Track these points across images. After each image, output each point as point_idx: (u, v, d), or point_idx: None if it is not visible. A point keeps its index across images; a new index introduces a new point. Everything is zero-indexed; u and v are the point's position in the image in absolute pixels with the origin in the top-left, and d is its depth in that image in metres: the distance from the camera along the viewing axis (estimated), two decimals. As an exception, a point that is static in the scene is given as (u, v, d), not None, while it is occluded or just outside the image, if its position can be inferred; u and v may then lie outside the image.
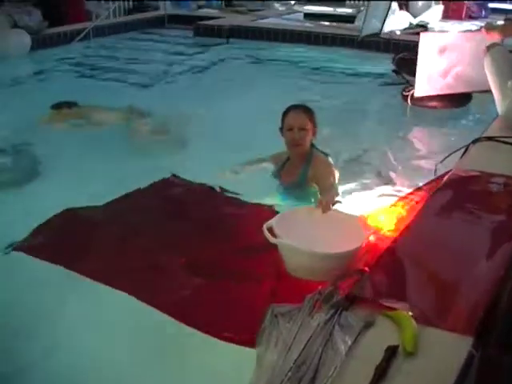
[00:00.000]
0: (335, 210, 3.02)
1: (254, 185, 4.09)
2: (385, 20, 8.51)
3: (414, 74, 5.93)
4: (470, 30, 6.64)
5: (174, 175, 4.20)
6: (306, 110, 3.83)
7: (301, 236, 2.74)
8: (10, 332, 2.74)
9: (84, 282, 2.84)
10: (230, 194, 3.96)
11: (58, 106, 5.75)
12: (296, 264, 2.72)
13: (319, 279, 2.51)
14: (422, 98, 5.96)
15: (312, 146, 3.88)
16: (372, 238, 2.74)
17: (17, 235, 3.33)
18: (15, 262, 3.14)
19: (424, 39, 5.72)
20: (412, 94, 5.94)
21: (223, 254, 3.02)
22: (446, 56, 5.74)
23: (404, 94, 6.15)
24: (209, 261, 2.97)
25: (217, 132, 5.47)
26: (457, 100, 6.09)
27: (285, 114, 3.86)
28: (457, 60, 5.75)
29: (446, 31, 8.11)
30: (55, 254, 3.08)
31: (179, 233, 3.31)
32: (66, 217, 3.51)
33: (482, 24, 5.15)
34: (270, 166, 4.21)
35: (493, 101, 4.42)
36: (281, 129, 3.87)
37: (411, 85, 5.99)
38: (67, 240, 3.31)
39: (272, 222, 2.79)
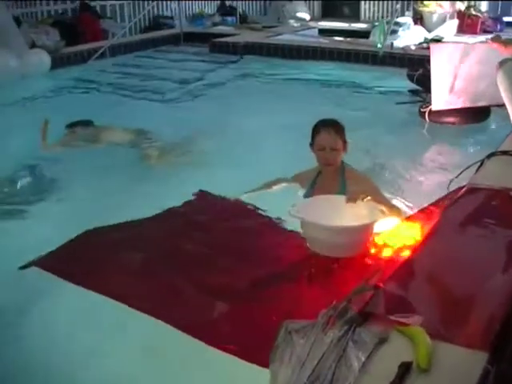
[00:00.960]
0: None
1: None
2: (385, 39, 8.50)
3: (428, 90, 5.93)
4: (479, 42, 6.58)
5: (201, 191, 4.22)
6: (336, 129, 3.72)
7: (321, 218, 3.14)
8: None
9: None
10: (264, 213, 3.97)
11: (72, 126, 5.74)
12: (314, 239, 3.18)
13: (335, 255, 3.07)
14: (440, 115, 5.93)
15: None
16: (386, 253, 2.75)
17: (33, 254, 3.36)
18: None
19: (435, 51, 5.70)
20: (430, 110, 5.92)
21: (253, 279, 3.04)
22: (459, 68, 5.70)
23: (422, 110, 6.12)
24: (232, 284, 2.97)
25: (233, 150, 5.50)
26: (475, 115, 6.03)
27: (315, 131, 3.76)
28: (470, 72, 5.70)
29: (458, 42, 8.12)
30: (74, 271, 3.10)
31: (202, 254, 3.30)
32: (87, 238, 3.51)
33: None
34: (293, 186, 4.09)
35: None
36: (311, 144, 3.79)
37: (428, 102, 5.98)
38: (91, 260, 3.32)
39: (296, 207, 3.26)
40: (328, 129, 3.69)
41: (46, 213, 4.31)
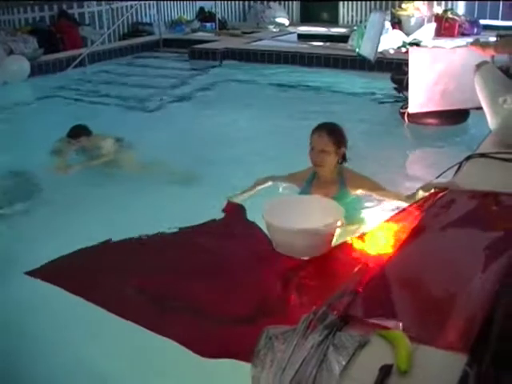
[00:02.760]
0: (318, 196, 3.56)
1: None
2: (377, 48, 8.55)
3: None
4: (459, 46, 6.64)
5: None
6: (330, 132, 3.77)
7: (288, 219, 3.16)
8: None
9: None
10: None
11: (75, 135, 5.44)
12: (278, 240, 3.17)
13: (298, 255, 3.05)
14: (419, 116, 5.97)
15: (340, 164, 3.88)
16: (365, 257, 2.75)
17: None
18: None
19: (413, 55, 5.76)
20: (409, 112, 5.97)
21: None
22: (438, 71, 5.73)
23: (401, 111, 6.17)
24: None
25: (216, 156, 5.50)
26: (454, 117, 6.07)
27: (312, 132, 3.83)
28: (449, 76, 5.72)
29: (437, 47, 8.18)
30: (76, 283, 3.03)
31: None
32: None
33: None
34: (286, 185, 4.20)
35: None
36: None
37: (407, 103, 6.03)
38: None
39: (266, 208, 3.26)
40: (321, 131, 3.76)
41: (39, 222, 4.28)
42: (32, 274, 3.17)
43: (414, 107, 5.86)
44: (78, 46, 10.50)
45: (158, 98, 8.15)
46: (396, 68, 7.36)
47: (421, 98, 5.82)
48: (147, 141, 5.82)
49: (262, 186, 4.18)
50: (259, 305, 2.70)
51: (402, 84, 6.47)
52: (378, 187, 3.85)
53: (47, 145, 5.49)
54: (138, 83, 8.96)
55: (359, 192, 3.85)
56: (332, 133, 3.77)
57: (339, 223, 3.12)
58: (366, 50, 8.87)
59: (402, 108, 6.19)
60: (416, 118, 6.00)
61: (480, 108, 5.00)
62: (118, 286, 2.98)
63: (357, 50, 8.96)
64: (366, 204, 3.92)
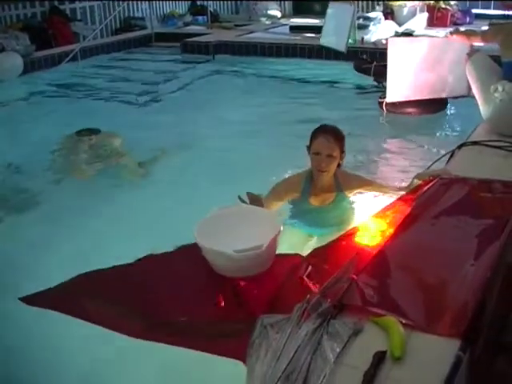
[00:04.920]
0: (256, 207, 3.19)
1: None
2: (347, 40, 8.62)
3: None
4: (438, 36, 6.73)
5: None
6: (336, 136, 3.54)
7: (225, 234, 2.89)
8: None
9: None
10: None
11: (84, 133, 5.42)
12: (213, 263, 2.83)
13: (236, 275, 2.73)
14: (397, 105, 6.07)
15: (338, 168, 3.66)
16: (359, 245, 2.76)
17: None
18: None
19: (392, 45, 5.79)
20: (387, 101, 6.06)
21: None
22: (416, 61, 5.80)
23: (379, 100, 6.26)
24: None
25: (210, 151, 5.51)
26: (432, 106, 6.18)
27: (314, 135, 3.58)
28: (428, 65, 5.83)
29: (416, 36, 8.27)
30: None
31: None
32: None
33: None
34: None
35: (468, 106, 4.50)
36: (308, 147, 3.61)
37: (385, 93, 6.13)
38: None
39: (199, 224, 2.93)
40: (327, 135, 3.52)
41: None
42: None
43: (392, 97, 5.95)
44: (70, 42, 10.45)
45: (150, 92, 8.13)
46: (357, 58, 7.54)
47: (399, 88, 5.90)
48: (140, 136, 5.82)
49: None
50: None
51: (366, 73, 6.83)
52: (373, 184, 3.79)
53: (43, 142, 5.49)
54: (130, 78, 8.94)
55: (356, 192, 3.73)
56: (338, 137, 3.56)
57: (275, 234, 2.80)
58: (331, 41, 8.96)
59: (380, 98, 6.30)
60: (394, 107, 6.10)
61: (459, 97, 5.12)
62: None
63: (350, 41, 9.01)
64: (362, 204, 3.78)
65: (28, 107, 7.62)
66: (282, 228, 2.91)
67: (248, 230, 2.93)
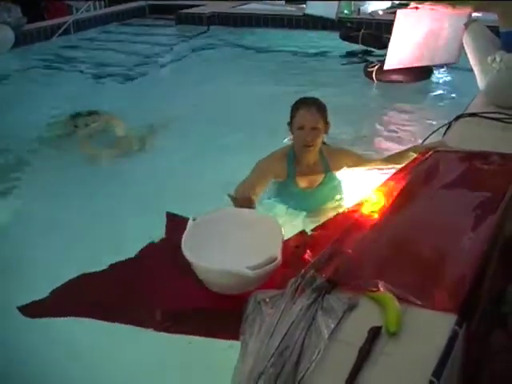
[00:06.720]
0: (251, 210, 2.89)
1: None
2: (339, 7, 8.56)
3: (379, 48, 6.54)
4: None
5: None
6: (319, 108, 3.37)
7: (217, 243, 2.55)
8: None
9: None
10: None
11: (78, 116, 5.31)
12: (204, 279, 2.44)
13: (231, 293, 2.38)
14: (386, 74, 6.21)
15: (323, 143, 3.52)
16: (354, 219, 2.71)
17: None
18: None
19: (401, 16, 5.89)
20: (377, 70, 6.22)
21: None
22: (418, 32, 5.95)
23: (368, 70, 6.36)
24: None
25: (208, 125, 5.40)
26: (419, 73, 6.36)
27: (295, 109, 3.41)
28: (427, 36, 6.00)
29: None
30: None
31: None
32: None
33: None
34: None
35: (454, 75, 4.49)
36: (289, 123, 3.45)
37: (373, 61, 6.43)
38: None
39: (187, 233, 2.53)
40: (309, 107, 3.35)
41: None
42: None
43: (390, 64, 6.07)
44: (63, 14, 10.32)
45: (144, 65, 8.04)
46: (344, 26, 7.84)
47: (399, 55, 6.05)
48: (134, 109, 5.77)
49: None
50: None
51: (353, 40, 7.25)
52: (362, 158, 3.67)
53: (34, 116, 5.41)
54: (124, 51, 8.85)
55: (344, 169, 3.60)
56: (320, 108, 3.39)
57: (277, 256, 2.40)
58: (317, 10, 8.84)
59: (368, 67, 6.41)
60: (383, 75, 6.26)
61: (445, 64, 5.39)
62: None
63: (346, 12, 8.97)
64: (353, 181, 3.67)
65: (20, 81, 7.51)
66: (283, 230, 2.60)
67: (243, 237, 2.60)
